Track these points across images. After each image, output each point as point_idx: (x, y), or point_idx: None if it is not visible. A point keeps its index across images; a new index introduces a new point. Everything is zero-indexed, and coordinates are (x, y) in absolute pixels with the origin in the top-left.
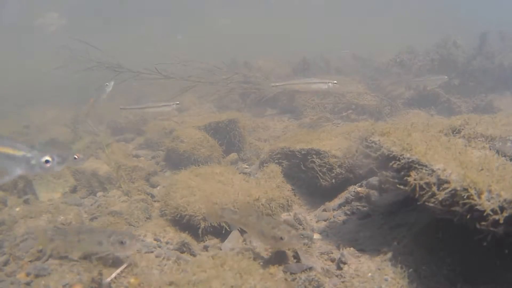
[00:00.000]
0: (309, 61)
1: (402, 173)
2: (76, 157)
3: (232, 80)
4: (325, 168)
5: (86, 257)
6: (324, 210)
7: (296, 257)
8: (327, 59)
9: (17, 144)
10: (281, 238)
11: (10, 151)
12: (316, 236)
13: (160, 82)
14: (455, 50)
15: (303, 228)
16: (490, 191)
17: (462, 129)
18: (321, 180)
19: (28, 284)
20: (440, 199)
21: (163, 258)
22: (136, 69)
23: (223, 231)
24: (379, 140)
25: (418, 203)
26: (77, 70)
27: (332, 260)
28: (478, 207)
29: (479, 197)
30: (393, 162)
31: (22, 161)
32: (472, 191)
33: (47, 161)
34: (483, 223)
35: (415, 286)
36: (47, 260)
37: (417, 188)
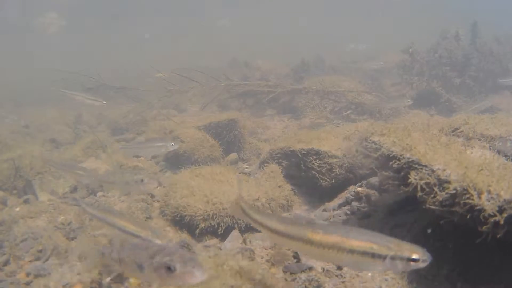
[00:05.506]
0: (308, 62)
1: (402, 173)
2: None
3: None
4: (325, 168)
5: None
6: (324, 210)
7: (296, 257)
8: (324, 58)
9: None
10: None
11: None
12: None
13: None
14: (456, 45)
15: None
16: (489, 191)
17: (462, 129)
18: (321, 180)
19: (28, 284)
20: (440, 199)
21: None
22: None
23: (223, 231)
24: (379, 140)
25: (418, 203)
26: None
27: None
28: (478, 207)
29: (479, 197)
30: (393, 161)
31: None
32: (472, 191)
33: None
34: (484, 226)
35: (415, 286)
36: (47, 260)
37: (418, 188)
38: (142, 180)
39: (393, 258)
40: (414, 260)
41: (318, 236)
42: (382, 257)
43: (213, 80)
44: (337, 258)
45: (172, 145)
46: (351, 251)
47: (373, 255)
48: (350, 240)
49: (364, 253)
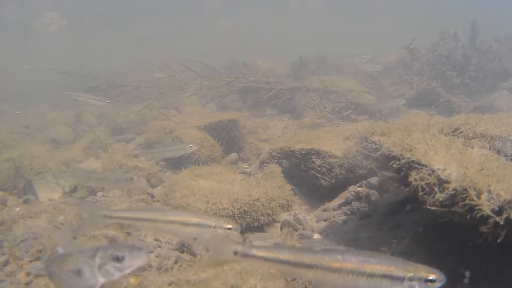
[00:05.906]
0: (306, 60)
1: (402, 173)
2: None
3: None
4: (325, 168)
5: None
6: (324, 210)
7: None
8: (324, 58)
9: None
10: None
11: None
12: (316, 236)
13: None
14: (454, 45)
15: (303, 228)
16: (489, 192)
17: (462, 129)
18: (321, 180)
19: (28, 284)
20: (440, 199)
21: (163, 258)
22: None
23: None
24: (379, 140)
25: (418, 203)
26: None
27: None
28: (478, 207)
29: (479, 198)
30: (393, 162)
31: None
32: (472, 192)
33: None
34: (484, 227)
35: None
36: None
37: (418, 189)
38: (131, 179)
39: (411, 279)
40: (431, 280)
41: (337, 263)
42: (401, 279)
43: (213, 75)
44: (356, 283)
45: (191, 147)
46: (371, 275)
47: (392, 277)
48: (370, 264)
49: (383, 276)
